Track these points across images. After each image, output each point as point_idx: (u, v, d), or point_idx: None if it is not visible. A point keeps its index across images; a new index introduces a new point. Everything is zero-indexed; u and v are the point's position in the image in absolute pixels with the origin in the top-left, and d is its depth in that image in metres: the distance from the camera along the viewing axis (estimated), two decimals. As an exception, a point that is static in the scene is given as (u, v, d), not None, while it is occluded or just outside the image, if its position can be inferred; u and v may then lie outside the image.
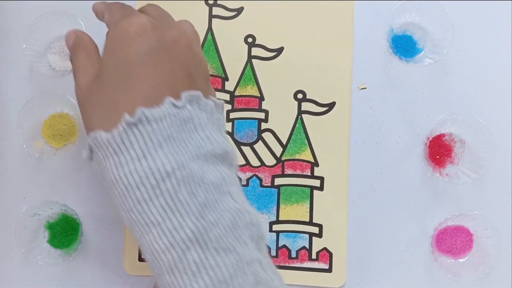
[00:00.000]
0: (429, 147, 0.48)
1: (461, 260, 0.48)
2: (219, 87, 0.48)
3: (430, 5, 0.48)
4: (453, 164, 0.48)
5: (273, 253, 0.47)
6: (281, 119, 0.48)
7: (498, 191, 0.49)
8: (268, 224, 0.47)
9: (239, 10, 0.49)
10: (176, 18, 0.49)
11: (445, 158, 0.48)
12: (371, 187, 0.49)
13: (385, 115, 0.49)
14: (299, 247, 0.47)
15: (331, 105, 0.48)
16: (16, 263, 0.48)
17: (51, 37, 0.50)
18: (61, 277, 0.48)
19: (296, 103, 0.48)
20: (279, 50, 0.48)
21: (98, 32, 0.50)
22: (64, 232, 0.47)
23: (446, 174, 0.48)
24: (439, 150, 0.48)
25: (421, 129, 0.49)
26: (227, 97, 0.48)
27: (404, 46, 0.49)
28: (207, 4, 0.49)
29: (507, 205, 0.49)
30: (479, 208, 0.48)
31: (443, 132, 0.49)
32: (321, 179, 0.47)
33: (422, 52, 0.50)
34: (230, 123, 0.48)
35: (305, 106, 0.48)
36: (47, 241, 0.48)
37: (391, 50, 0.49)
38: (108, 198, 0.48)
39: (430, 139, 0.48)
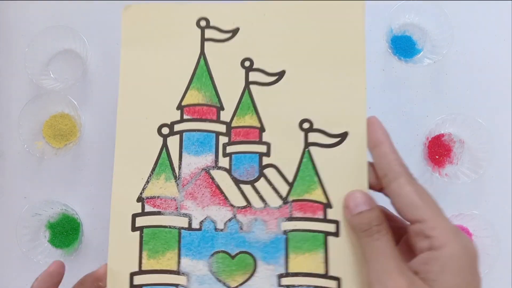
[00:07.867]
0: (428, 147, 0.48)
1: (460, 260, 0.48)
2: (214, 117, 0.42)
3: (429, 6, 0.48)
4: (452, 164, 0.49)
5: None
6: (285, 152, 0.41)
7: (497, 191, 0.49)
8: (276, 277, 0.39)
9: (235, 31, 0.43)
10: (167, 42, 0.43)
11: (445, 158, 0.48)
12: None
13: (385, 115, 0.49)
14: None
15: (343, 136, 0.41)
16: (16, 263, 0.48)
17: (52, 51, 0.50)
18: (61, 276, 0.48)
19: (302, 133, 0.41)
20: (280, 74, 0.42)
21: (102, 46, 0.50)
22: (64, 232, 0.47)
23: (446, 174, 0.48)
24: (438, 150, 0.48)
25: (420, 129, 0.49)
26: (223, 128, 0.42)
27: (403, 46, 0.49)
28: (198, 26, 0.43)
29: (506, 205, 0.49)
30: (478, 208, 0.49)
31: (442, 132, 0.49)
32: (336, 223, 0.39)
33: (421, 53, 0.50)
34: (228, 158, 0.42)
35: (313, 137, 0.41)
36: (48, 241, 0.48)
37: (390, 51, 0.49)
38: (108, 198, 0.49)
39: (430, 139, 0.48)
